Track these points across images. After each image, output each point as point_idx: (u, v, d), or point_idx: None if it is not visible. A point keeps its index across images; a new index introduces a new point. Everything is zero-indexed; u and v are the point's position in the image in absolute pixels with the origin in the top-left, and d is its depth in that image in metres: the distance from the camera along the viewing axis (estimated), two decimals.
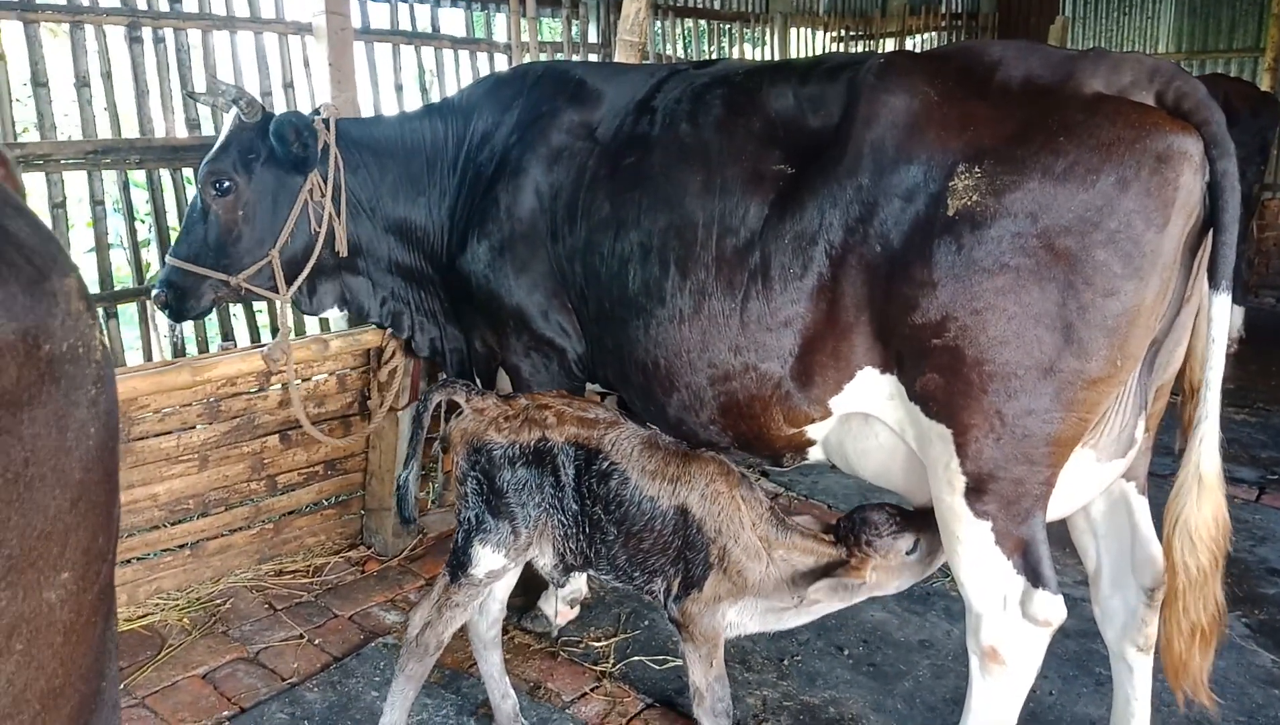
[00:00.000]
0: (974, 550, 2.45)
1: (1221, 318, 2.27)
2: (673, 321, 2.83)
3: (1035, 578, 2.43)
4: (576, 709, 3.23)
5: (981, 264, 2.28)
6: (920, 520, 2.68)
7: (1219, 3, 10.08)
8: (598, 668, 3.46)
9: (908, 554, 2.68)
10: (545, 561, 2.89)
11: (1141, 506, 2.74)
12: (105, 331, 4.59)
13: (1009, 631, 2.46)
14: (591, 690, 3.33)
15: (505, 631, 3.63)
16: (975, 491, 2.40)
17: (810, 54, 8.61)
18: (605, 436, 2.80)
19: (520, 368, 3.47)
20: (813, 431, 2.77)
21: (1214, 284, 2.27)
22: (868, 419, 2.67)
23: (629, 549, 2.79)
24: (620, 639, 3.63)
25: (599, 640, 3.63)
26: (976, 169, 2.29)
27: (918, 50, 2.95)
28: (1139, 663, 2.75)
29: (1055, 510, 2.61)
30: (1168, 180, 2.17)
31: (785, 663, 3.50)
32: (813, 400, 2.67)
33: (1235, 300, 7.67)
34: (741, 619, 2.84)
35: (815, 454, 2.89)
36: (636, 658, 3.51)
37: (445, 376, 3.76)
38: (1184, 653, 2.43)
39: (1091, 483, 2.57)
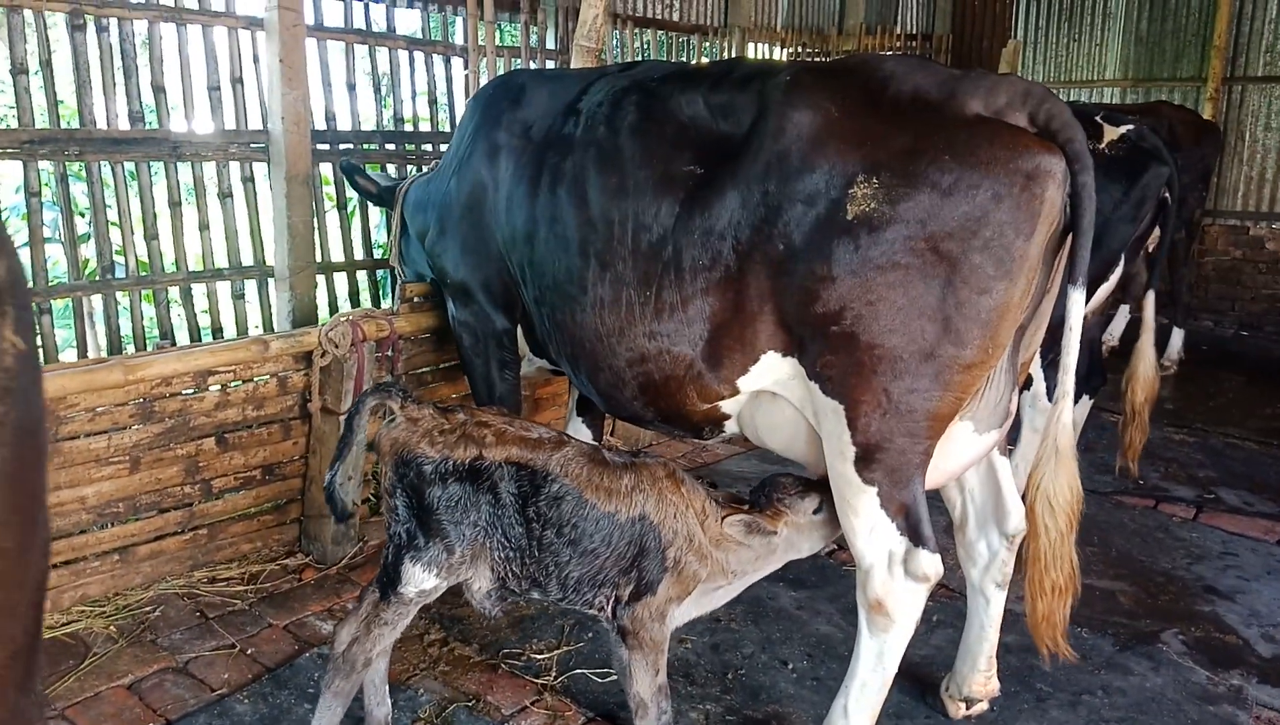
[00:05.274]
0: (863, 513, 2.73)
1: (1077, 309, 2.60)
2: (595, 308, 3.10)
3: (916, 537, 2.72)
4: (516, 722, 3.16)
5: (875, 262, 2.54)
6: (821, 486, 2.89)
7: (1164, 34, 10.31)
8: (539, 680, 3.39)
9: (814, 513, 2.90)
10: (482, 585, 2.81)
11: (1004, 465, 3.12)
12: (39, 329, 4.43)
13: (893, 586, 2.75)
14: (532, 704, 3.27)
15: (445, 643, 3.56)
16: (863, 460, 2.68)
17: None
18: (551, 458, 2.75)
19: (462, 338, 3.96)
20: (725, 407, 3.03)
21: (1072, 281, 2.59)
22: (775, 397, 2.92)
23: (584, 566, 2.75)
24: (563, 651, 3.57)
25: (541, 653, 3.57)
26: (875, 179, 2.54)
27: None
28: (996, 596, 3.18)
29: (945, 473, 2.92)
30: (1035, 195, 2.45)
31: (729, 676, 3.46)
32: (722, 380, 2.93)
33: (1176, 323, 7.89)
34: (685, 611, 2.92)
35: (731, 428, 3.14)
36: (579, 670, 3.45)
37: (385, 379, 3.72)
38: (1048, 609, 2.78)
39: (973, 450, 2.91)
